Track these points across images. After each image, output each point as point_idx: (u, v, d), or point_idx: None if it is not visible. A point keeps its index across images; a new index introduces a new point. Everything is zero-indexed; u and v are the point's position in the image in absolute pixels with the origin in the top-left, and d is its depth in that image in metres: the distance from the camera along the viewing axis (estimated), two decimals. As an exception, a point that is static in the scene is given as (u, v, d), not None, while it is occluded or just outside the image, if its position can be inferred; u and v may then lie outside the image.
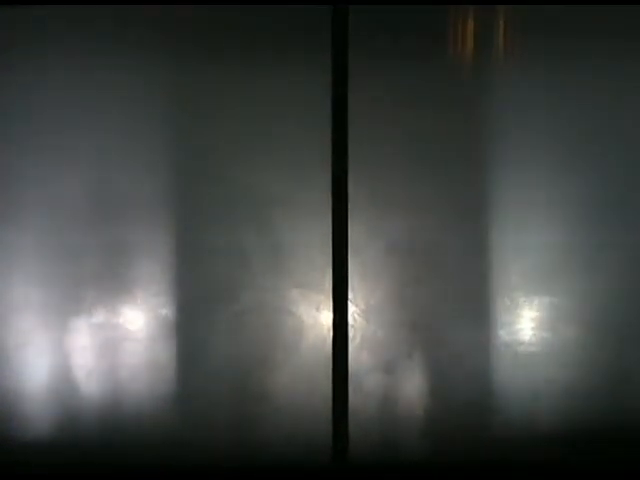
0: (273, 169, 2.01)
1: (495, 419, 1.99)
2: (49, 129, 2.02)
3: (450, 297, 1.99)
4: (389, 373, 1.99)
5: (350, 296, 1.99)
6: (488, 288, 2.00)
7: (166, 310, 2.01)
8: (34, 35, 2.03)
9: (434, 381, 1.99)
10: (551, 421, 2.00)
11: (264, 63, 2.03)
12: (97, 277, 2.01)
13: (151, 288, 2.01)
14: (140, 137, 2.02)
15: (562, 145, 2.02)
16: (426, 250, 2.00)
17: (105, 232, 2.01)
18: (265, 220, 2.00)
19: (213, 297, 2.00)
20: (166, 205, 2.02)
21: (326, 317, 1.99)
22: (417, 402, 1.99)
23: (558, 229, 2.00)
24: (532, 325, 2.00)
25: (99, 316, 2.01)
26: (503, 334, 2.00)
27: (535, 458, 1.99)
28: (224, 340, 2.00)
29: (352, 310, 1.99)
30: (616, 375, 2.00)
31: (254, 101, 2.02)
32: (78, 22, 2.03)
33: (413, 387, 1.99)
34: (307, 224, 2.00)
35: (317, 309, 2.00)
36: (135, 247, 2.01)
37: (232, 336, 2.00)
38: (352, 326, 1.99)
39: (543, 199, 2.00)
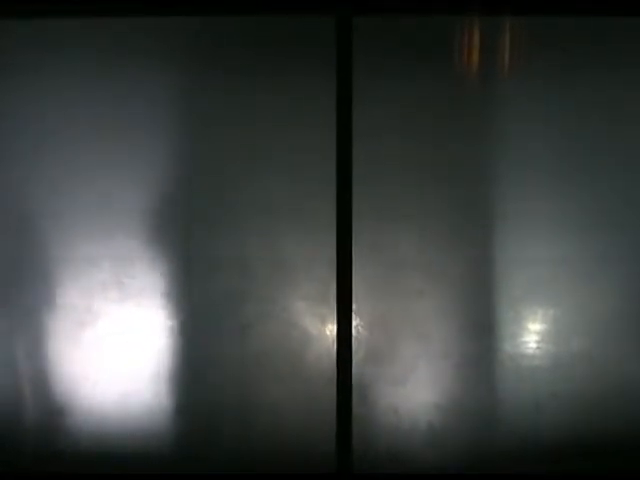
0: (278, 183, 2.02)
1: (499, 430, 2.00)
2: (55, 140, 2.05)
3: (454, 310, 2.00)
4: (393, 385, 2.01)
5: (354, 308, 2.00)
6: (492, 301, 2.01)
7: (172, 322, 2.03)
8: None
9: (438, 393, 2.00)
10: (554, 432, 2.00)
11: (269, 74, 2.04)
12: (104, 288, 2.03)
13: (157, 300, 2.03)
14: (146, 151, 2.04)
15: (568, 160, 2.02)
16: (430, 263, 2.00)
17: (112, 244, 2.03)
18: (270, 233, 2.02)
19: (218, 309, 2.02)
20: (172, 218, 2.03)
21: (330, 329, 2.01)
22: (420, 413, 2.01)
23: (562, 242, 2.00)
24: (536, 338, 2.01)
25: (106, 326, 2.03)
26: (507, 346, 2.01)
27: (539, 469, 2.00)
28: (229, 351, 2.01)
29: (356, 322, 2.01)
30: (619, 386, 2.00)
31: (259, 114, 2.03)
32: (87, 33, 2.05)
33: (416, 398, 2.01)
34: (311, 237, 2.01)
35: (321, 321, 2.01)
36: (141, 259, 2.03)
37: (237, 347, 2.01)
38: (356, 338, 2.01)
39: (548, 213, 2.01)
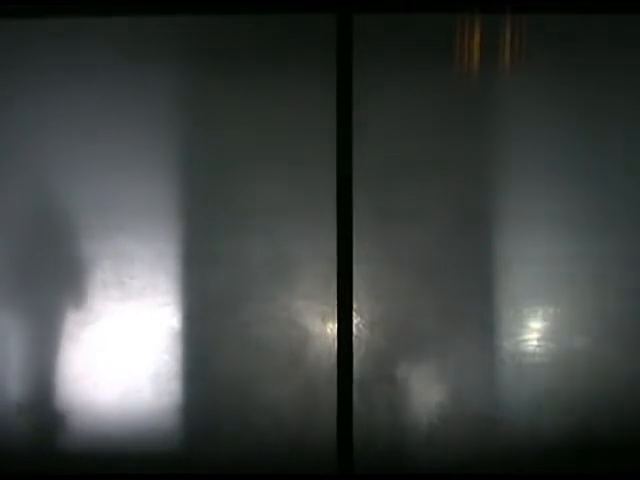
0: (278, 180, 2.02)
1: (499, 429, 2.00)
2: (55, 140, 2.04)
3: (454, 308, 2.00)
4: (393, 383, 2.00)
5: (355, 307, 2.00)
6: (492, 299, 2.00)
7: (173, 320, 2.02)
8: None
9: (438, 391, 2.00)
10: (555, 431, 2.00)
11: (269, 72, 2.04)
12: (105, 287, 2.03)
13: (158, 298, 2.02)
14: (148, 150, 2.03)
15: (568, 158, 2.03)
16: (430, 262, 2.00)
17: (112, 243, 2.03)
18: (271, 232, 2.01)
19: (219, 308, 2.01)
20: (172, 217, 2.03)
21: (331, 328, 2.00)
22: (421, 412, 2.00)
23: (562, 241, 2.00)
24: (536, 336, 2.01)
25: (106, 325, 2.03)
26: (507, 345, 2.00)
27: (539, 468, 2.00)
28: (230, 350, 2.01)
29: (357, 321, 2.00)
30: (620, 385, 2.00)
31: (259, 112, 2.03)
32: (88, 33, 2.05)
33: (417, 397, 2.00)
34: (312, 236, 2.01)
35: (322, 320, 2.01)
36: (142, 258, 2.03)
37: (238, 346, 2.01)
38: (357, 336, 2.00)
39: (548, 211, 2.01)
